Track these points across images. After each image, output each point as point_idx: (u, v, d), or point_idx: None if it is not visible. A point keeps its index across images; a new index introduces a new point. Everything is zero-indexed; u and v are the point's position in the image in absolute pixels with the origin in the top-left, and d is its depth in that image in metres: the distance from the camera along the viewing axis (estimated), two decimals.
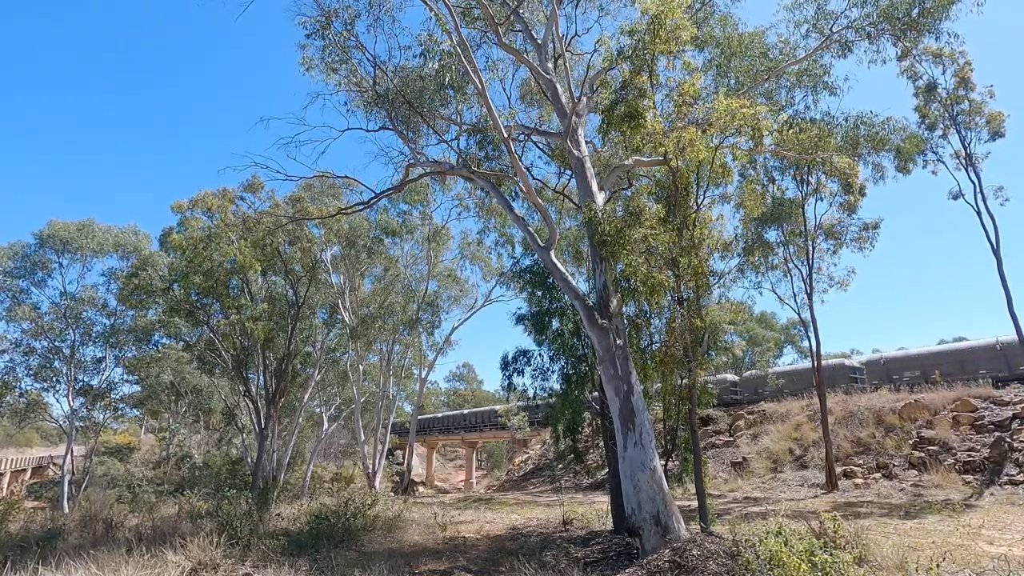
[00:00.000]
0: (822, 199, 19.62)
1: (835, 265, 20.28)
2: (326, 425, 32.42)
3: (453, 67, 12.37)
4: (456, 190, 26.16)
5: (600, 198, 11.38)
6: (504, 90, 16.74)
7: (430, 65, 13.13)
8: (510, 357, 14.50)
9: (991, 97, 18.80)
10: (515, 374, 14.32)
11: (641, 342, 11.51)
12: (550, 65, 12.86)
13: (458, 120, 14.43)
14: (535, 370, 14.23)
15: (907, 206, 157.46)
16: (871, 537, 9.46)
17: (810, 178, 18.94)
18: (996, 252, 18.54)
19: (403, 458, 39.61)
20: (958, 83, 18.76)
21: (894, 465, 19.46)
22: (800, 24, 13.66)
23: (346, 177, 16.33)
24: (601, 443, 15.55)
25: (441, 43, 12.73)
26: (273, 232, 22.01)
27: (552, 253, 11.24)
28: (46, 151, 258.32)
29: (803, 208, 19.75)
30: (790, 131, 12.68)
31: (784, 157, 15.17)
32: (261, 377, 25.44)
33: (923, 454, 19.01)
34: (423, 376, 36.40)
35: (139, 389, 35.26)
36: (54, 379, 31.21)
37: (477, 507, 22.07)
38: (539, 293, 14.34)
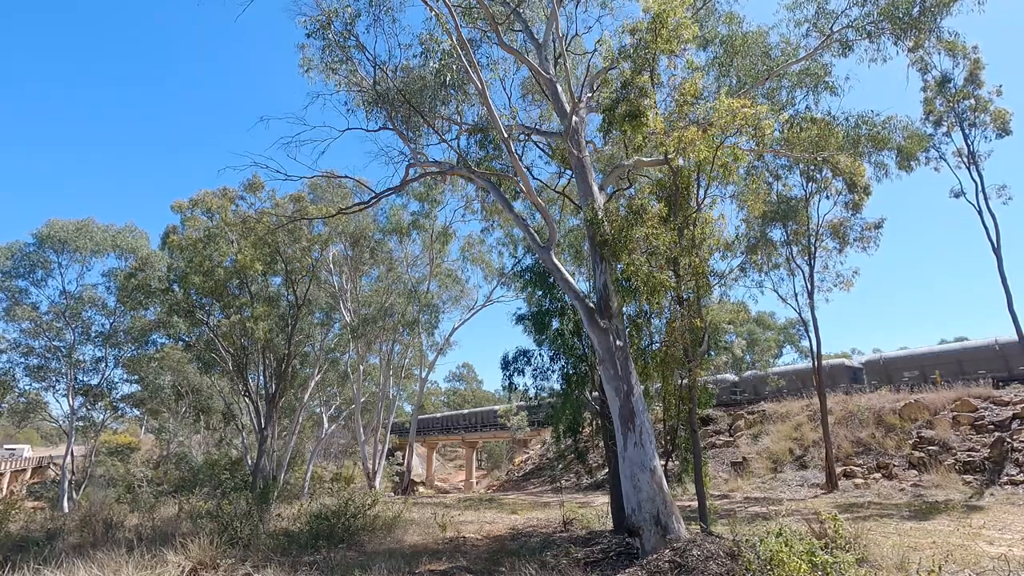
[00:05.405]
0: (828, 197, 19.59)
1: (842, 263, 20.26)
2: (326, 425, 32.39)
3: (453, 67, 12.34)
4: (466, 191, 26.12)
5: (601, 198, 11.36)
6: (504, 89, 16.72)
7: (430, 65, 13.10)
8: (510, 357, 14.47)
9: (998, 95, 18.78)
10: (515, 374, 14.29)
11: (641, 342, 11.49)
12: (550, 64, 12.84)
13: (458, 120, 14.40)
14: (535, 370, 14.20)
15: (907, 204, 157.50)
16: (871, 537, 9.45)
17: (817, 175, 18.90)
18: (996, 251, 18.55)
19: (403, 458, 39.58)
20: (968, 78, 18.72)
21: (894, 465, 19.45)
22: (800, 23, 13.64)
23: (347, 177, 16.35)
24: (601, 443, 15.52)
25: (442, 43, 12.71)
26: (273, 231, 21.96)
27: (552, 253, 11.21)
28: (46, 149, 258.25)
29: (808, 206, 19.74)
30: (791, 130, 12.66)
31: (786, 156, 15.15)
32: (261, 377, 25.42)
33: (923, 454, 19.00)
34: (423, 376, 36.38)
35: (139, 389, 35.27)
36: (53, 379, 31.21)
37: (477, 507, 22.06)
38: (539, 293, 14.31)
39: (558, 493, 26.24)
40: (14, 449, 51.00)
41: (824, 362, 29.87)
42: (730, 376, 31.48)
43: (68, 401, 30.64)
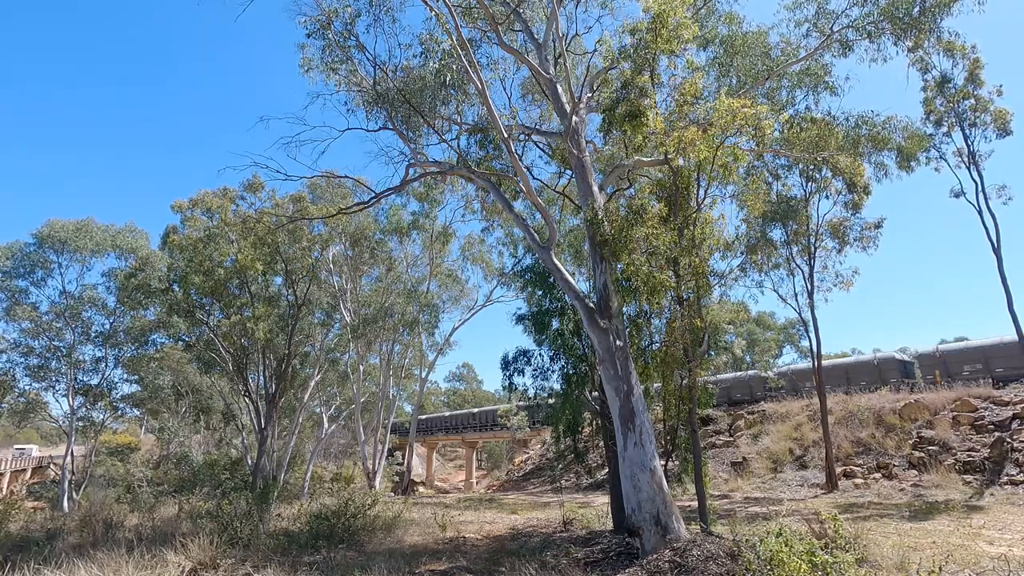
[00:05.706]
0: (827, 197, 19.57)
1: (841, 263, 20.25)
2: (326, 425, 32.39)
3: (453, 67, 12.33)
4: (466, 191, 26.13)
5: (601, 198, 11.35)
6: (505, 89, 16.73)
7: (430, 65, 13.10)
8: (510, 357, 14.48)
9: (998, 95, 18.76)
10: (515, 374, 14.29)
11: (641, 342, 11.48)
12: (550, 64, 12.83)
13: (458, 120, 14.40)
14: (535, 370, 14.20)
15: (907, 204, 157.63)
16: (871, 537, 9.45)
17: (816, 175, 18.88)
18: (997, 251, 18.54)
19: (403, 458, 39.59)
20: (968, 78, 18.70)
21: (894, 465, 19.45)
22: (801, 23, 13.65)
23: (347, 177, 16.36)
24: (601, 443, 15.52)
25: (442, 43, 12.71)
26: (273, 232, 21.97)
27: (552, 253, 11.21)
28: (46, 149, 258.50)
29: (807, 206, 19.72)
30: (791, 130, 12.67)
31: (786, 156, 15.15)
32: (261, 377, 25.42)
33: (923, 454, 19.01)
34: (423, 376, 36.39)
35: (139, 389, 35.28)
36: (53, 379, 31.19)
37: (477, 507, 22.06)
38: (539, 293, 14.32)
39: (558, 493, 26.25)
40: (23, 448, 51.95)
41: (873, 356, 29.45)
42: (763, 373, 31.74)
43: (68, 401, 30.62)
